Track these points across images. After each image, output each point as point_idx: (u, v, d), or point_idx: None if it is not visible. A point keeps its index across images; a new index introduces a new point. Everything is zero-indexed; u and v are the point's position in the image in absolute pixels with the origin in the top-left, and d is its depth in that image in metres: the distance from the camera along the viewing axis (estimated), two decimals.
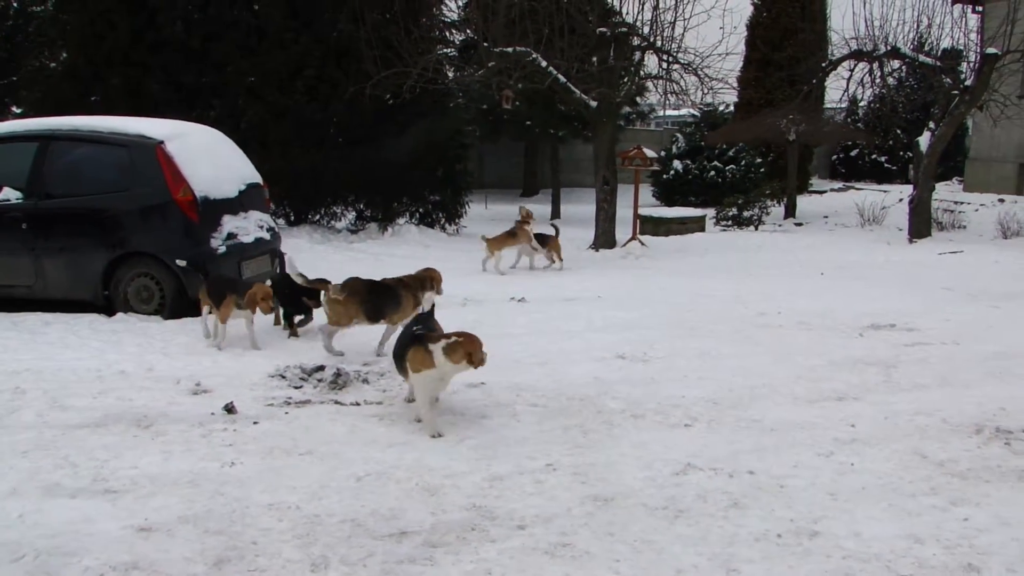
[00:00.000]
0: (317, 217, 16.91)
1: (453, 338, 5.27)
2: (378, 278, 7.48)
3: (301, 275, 7.46)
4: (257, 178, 10.22)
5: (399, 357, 5.50)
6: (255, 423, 5.45)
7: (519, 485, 4.52)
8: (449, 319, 6.45)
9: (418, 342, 5.33)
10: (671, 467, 4.77)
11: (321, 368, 6.51)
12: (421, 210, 17.62)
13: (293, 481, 4.52)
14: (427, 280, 7.46)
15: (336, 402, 5.93)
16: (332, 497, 4.34)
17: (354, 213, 17.27)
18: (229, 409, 5.62)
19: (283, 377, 6.43)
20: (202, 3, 15.43)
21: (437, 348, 5.20)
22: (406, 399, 5.80)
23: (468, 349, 5.21)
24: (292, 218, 16.67)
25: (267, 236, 9.89)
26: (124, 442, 5.11)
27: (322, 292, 7.39)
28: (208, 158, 9.38)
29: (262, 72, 15.38)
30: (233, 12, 15.45)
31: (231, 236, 9.19)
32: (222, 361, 7.03)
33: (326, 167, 15.62)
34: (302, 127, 15.49)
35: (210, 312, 7.74)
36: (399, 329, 7.14)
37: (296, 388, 6.22)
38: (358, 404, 5.89)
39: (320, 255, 13.57)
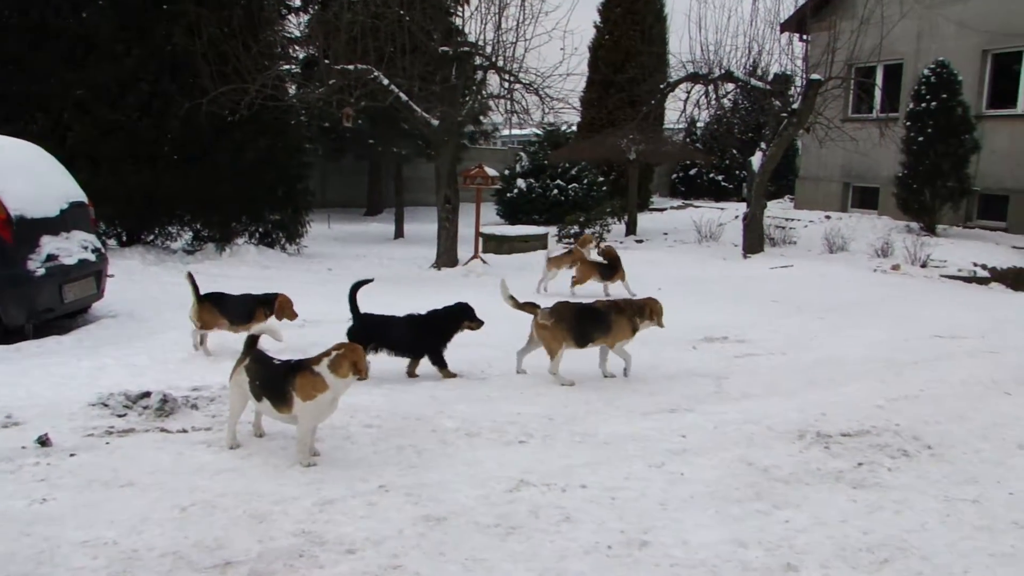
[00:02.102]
0: (151, 237, 16.25)
1: (333, 353, 5.07)
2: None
3: (512, 297, 7.34)
4: (82, 196, 9.77)
5: (273, 393, 5.11)
6: (72, 455, 5.15)
7: (350, 508, 4.46)
8: (287, 342, 6.30)
9: (299, 369, 5.06)
10: (504, 484, 4.80)
11: (147, 395, 6.22)
12: (261, 230, 17.21)
13: (111, 515, 4.30)
14: (646, 308, 7.36)
15: (162, 430, 5.71)
16: (154, 530, 4.16)
17: (191, 233, 16.69)
18: (43, 441, 5.28)
19: (105, 405, 6.09)
20: (23, 7, 14.63)
21: (323, 368, 4.99)
22: (256, 434, 5.58)
23: (352, 359, 5.03)
24: (124, 239, 15.99)
25: (92, 257, 9.46)
26: None
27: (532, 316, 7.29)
28: (25, 174, 8.89)
29: (91, 85, 14.69)
30: (58, 20, 14.70)
31: (51, 257, 8.74)
32: (38, 391, 6.62)
33: (160, 185, 15.04)
34: (135, 144, 14.89)
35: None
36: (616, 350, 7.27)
37: (119, 416, 5.93)
38: (185, 431, 5.69)
39: (153, 277, 13.11)
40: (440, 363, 7.33)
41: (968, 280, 15.89)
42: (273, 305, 8.20)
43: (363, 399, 6.35)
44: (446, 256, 15.86)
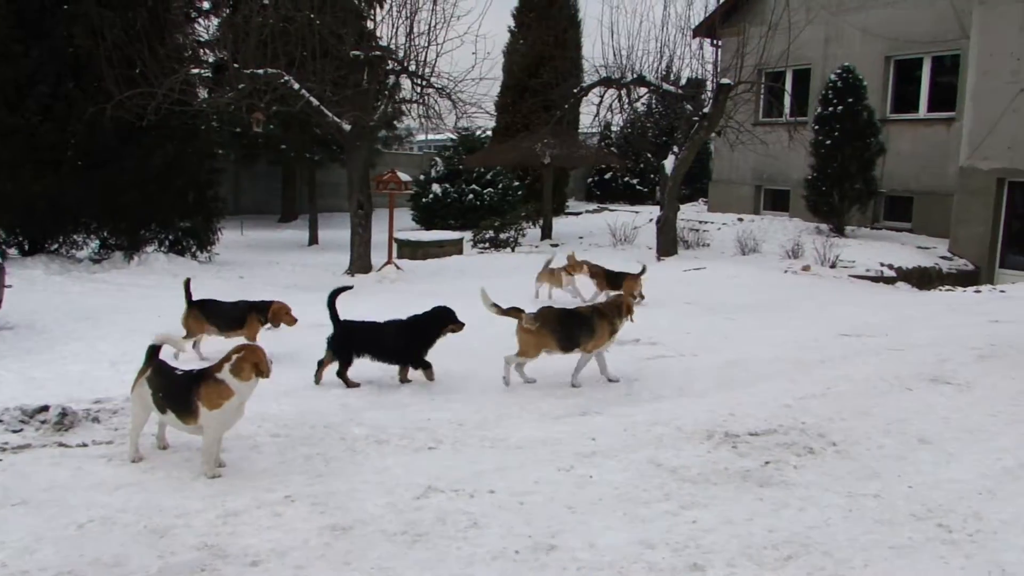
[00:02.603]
0: (55, 246, 15.71)
1: (233, 357, 4.96)
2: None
3: (495, 305, 7.14)
4: None
5: (178, 404, 4.98)
6: None
7: (255, 519, 4.36)
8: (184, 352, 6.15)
9: (202, 378, 4.95)
10: (412, 491, 4.74)
11: (45, 408, 5.97)
12: (171, 237, 16.79)
13: (2, 536, 4.12)
14: (622, 307, 7.27)
15: (61, 444, 5.50)
16: (47, 549, 3.99)
17: (97, 241, 16.20)
18: None
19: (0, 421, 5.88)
20: None
21: (225, 374, 4.89)
22: (159, 446, 5.42)
23: (252, 360, 4.95)
24: (27, 247, 15.44)
25: None
26: None
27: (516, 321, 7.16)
28: None
29: None
30: None
31: None
32: None
33: (64, 192, 14.54)
34: (36, 148, 14.35)
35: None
36: (592, 358, 7.18)
37: (15, 432, 5.68)
38: (85, 445, 5.49)
39: (57, 287, 12.70)
40: (424, 365, 7.29)
41: (875, 280, 16.35)
42: (266, 312, 8.06)
43: (271, 407, 6.23)
44: (359, 262, 15.71)
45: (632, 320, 7.45)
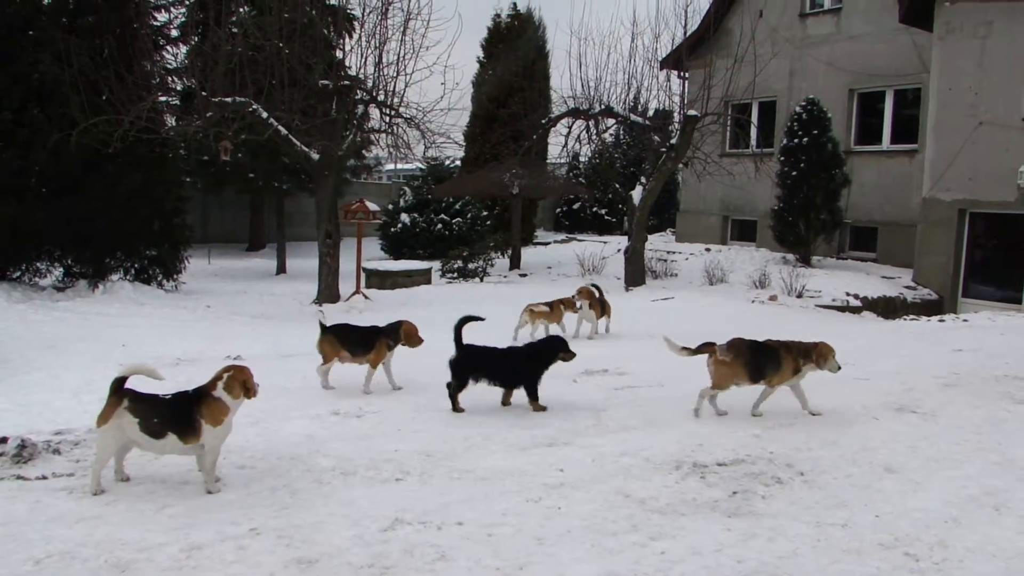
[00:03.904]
0: (18, 274, 15.51)
1: (224, 375, 5.21)
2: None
3: (685, 348, 7.20)
4: None
5: (179, 426, 5.12)
6: None
7: (219, 553, 4.29)
8: (163, 382, 6.02)
9: (200, 397, 5.18)
10: (379, 523, 4.69)
11: (3, 440, 5.85)
12: (136, 266, 16.63)
13: None
14: (812, 351, 7.17)
15: (19, 477, 5.39)
16: None
17: (62, 269, 16.02)
18: None
19: None
20: None
21: (220, 391, 5.16)
22: (119, 479, 5.31)
23: (241, 379, 5.21)
24: None
25: None
26: None
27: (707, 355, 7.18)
28: None
29: None
30: None
31: None
32: None
33: (27, 219, 14.39)
34: None
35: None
36: (776, 392, 7.18)
37: None
38: (45, 478, 5.39)
39: (19, 315, 12.50)
40: (533, 394, 7.43)
41: (841, 309, 16.49)
42: (396, 335, 8.12)
43: (237, 439, 6.12)
44: (327, 292, 15.64)
45: (833, 371, 7.27)
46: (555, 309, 12.08)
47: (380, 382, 8.12)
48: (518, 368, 7.50)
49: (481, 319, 7.84)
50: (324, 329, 8.24)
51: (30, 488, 5.21)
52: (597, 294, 12.13)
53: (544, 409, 7.37)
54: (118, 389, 5.18)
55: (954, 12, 17.70)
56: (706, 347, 7.25)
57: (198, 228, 23.48)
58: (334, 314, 14.37)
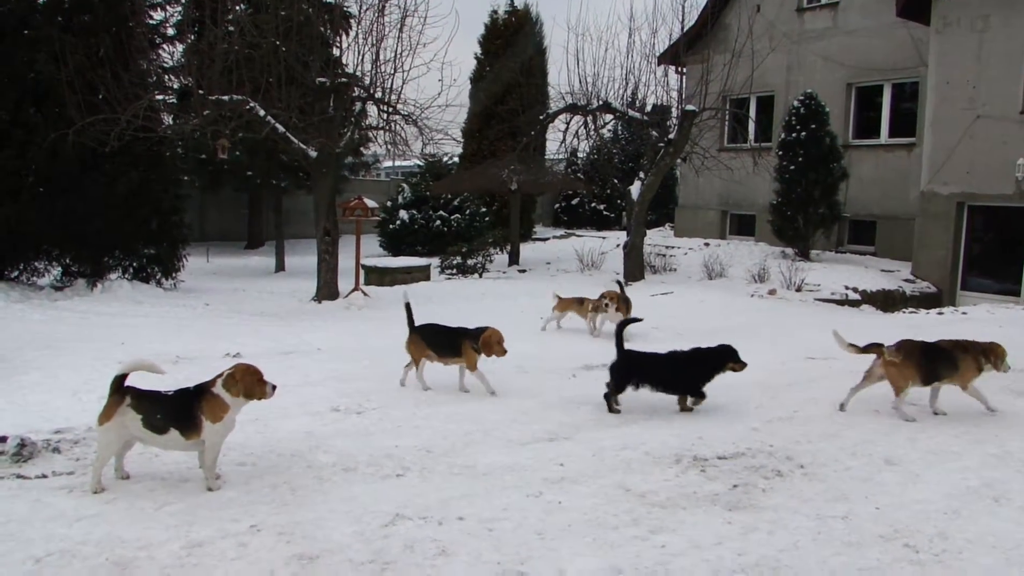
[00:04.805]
0: (15, 273, 15.50)
1: (226, 372, 5.24)
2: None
3: (852, 345, 7.17)
4: None
5: (181, 422, 5.14)
6: None
7: (220, 550, 4.29)
8: (161, 377, 6.00)
9: (200, 394, 5.20)
10: (380, 519, 4.69)
11: (3, 439, 5.83)
12: (135, 264, 16.61)
13: None
14: (989, 352, 7.11)
15: (19, 476, 5.37)
16: None
17: (60, 269, 16.01)
18: None
19: None
20: None
21: (219, 388, 5.19)
22: (119, 477, 5.30)
23: (243, 378, 5.24)
24: None
25: None
26: None
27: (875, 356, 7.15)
28: None
29: None
30: None
31: None
32: None
33: (25, 219, 14.38)
34: None
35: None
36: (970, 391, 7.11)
37: None
38: (45, 476, 5.37)
39: (17, 314, 12.50)
40: (702, 395, 7.33)
41: (841, 303, 16.49)
42: (478, 340, 7.84)
43: (236, 436, 6.09)
44: (326, 289, 15.63)
45: (1005, 371, 7.21)
46: (584, 304, 12.08)
47: (367, 377, 8.11)
48: (683, 374, 7.33)
49: (639, 320, 7.84)
50: (412, 329, 8.12)
51: (30, 487, 5.19)
52: (620, 291, 12.08)
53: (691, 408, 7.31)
54: (119, 387, 5.17)
55: (951, 6, 17.69)
56: (874, 347, 7.21)
57: (196, 226, 23.49)
58: (333, 311, 14.41)
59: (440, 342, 8.01)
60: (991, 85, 17.11)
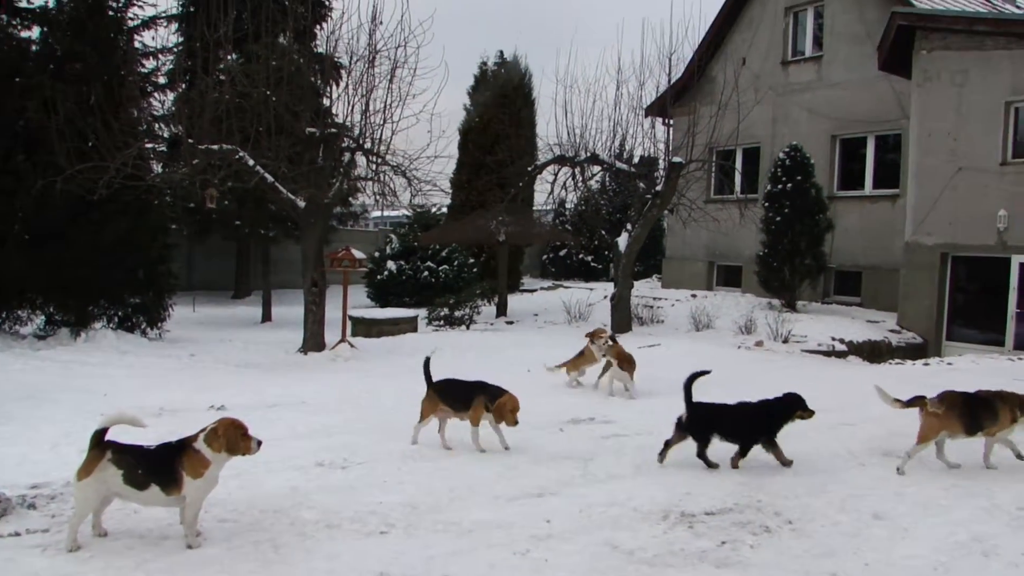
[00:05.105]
0: None
1: (209, 427, 5.18)
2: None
3: (897, 400, 7.19)
4: None
5: (162, 477, 5.05)
6: None
7: None
8: (145, 431, 5.92)
9: (181, 449, 5.13)
10: None
11: None
12: (120, 313, 16.47)
13: None
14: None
15: None
16: None
17: (43, 317, 15.87)
18: None
19: None
20: None
21: (200, 444, 5.10)
22: (96, 534, 5.21)
23: (226, 433, 5.17)
24: None
25: None
26: None
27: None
28: None
29: None
30: None
31: None
32: None
33: (8, 267, 14.28)
34: None
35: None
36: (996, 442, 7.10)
37: None
38: (18, 534, 5.27)
39: None
40: (776, 449, 7.29)
41: (827, 354, 16.47)
42: (495, 399, 7.67)
43: (219, 492, 6.01)
44: (312, 340, 15.53)
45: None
46: (586, 351, 11.84)
47: (361, 429, 8.03)
48: (754, 425, 7.35)
49: (708, 372, 7.81)
50: (429, 385, 7.98)
51: (2, 545, 5.09)
52: (615, 343, 11.87)
53: (790, 462, 7.24)
54: (100, 441, 5.11)
55: (931, 60, 17.94)
56: (918, 400, 7.22)
57: (183, 275, 23.40)
58: (320, 363, 14.33)
59: (456, 396, 7.88)
60: (971, 138, 17.29)
